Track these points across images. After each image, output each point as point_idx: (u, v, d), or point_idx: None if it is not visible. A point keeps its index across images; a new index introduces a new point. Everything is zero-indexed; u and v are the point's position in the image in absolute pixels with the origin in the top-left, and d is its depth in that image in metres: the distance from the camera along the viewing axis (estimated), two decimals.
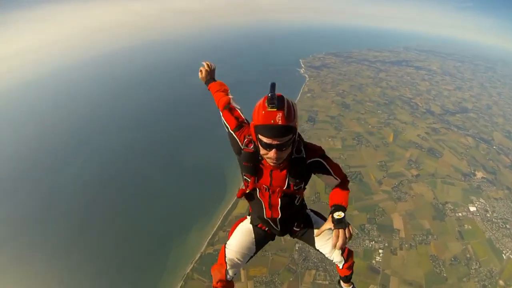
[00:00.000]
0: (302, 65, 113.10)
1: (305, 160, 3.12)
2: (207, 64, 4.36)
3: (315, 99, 78.70)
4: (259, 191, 3.39)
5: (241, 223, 4.15)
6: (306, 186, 3.54)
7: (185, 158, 55.12)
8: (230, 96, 3.83)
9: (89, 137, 67.37)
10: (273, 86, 2.61)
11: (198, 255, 37.03)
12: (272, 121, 2.54)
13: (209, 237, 39.25)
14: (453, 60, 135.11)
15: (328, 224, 2.82)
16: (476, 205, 42.53)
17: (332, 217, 2.81)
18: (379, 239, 37.59)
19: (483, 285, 32.14)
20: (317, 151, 3.25)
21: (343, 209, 2.99)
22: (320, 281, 33.52)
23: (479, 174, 48.79)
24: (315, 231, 3.77)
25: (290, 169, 3.13)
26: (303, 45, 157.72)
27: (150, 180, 51.22)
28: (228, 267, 3.59)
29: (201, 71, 4.33)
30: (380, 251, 36.20)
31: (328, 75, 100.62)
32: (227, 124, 3.47)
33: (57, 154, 61.66)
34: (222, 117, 3.57)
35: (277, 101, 2.58)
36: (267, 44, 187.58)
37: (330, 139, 58.43)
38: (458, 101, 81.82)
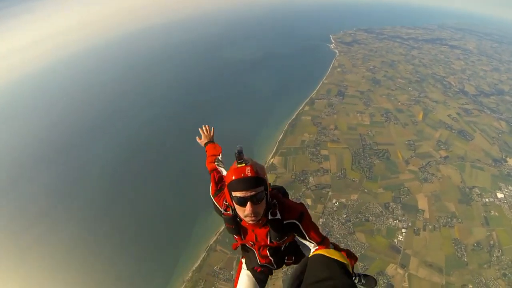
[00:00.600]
0: (333, 41, 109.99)
1: (281, 221, 3.25)
2: (206, 129, 4.94)
3: (345, 74, 77.01)
4: (248, 245, 3.75)
5: (241, 272, 4.34)
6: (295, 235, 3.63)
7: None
8: (216, 161, 4.32)
9: (109, 124, 66.55)
10: (239, 149, 2.90)
11: (222, 227, 37.05)
12: (242, 174, 2.82)
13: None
14: (491, 40, 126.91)
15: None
16: (504, 192, 41.15)
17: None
18: (403, 218, 37.43)
19: (503, 273, 31.63)
20: (294, 212, 3.34)
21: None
22: None
23: (511, 161, 47.15)
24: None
25: (270, 229, 3.32)
26: (334, 21, 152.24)
27: (177, 159, 51.45)
28: None
29: (200, 136, 4.90)
30: (403, 230, 36.11)
31: (359, 51, 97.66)
32: (210, 188, 3.82)
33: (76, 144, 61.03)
34: (210, 186, 3.89)
35: (244, 158, 2.91)
36: (298, 19, 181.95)
37: (358, 114, 57.50)
38: (494, 83, 77.62)
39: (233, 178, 2.86)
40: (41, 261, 37.94)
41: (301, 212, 3.35)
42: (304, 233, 3.39)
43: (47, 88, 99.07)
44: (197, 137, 5.00)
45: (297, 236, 3.75)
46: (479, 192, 40.96)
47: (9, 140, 64.62)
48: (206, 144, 4.78)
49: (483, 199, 39.97)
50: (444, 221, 37.09)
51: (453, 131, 53.83)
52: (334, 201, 40.03)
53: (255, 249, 3.77)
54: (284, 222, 3.26)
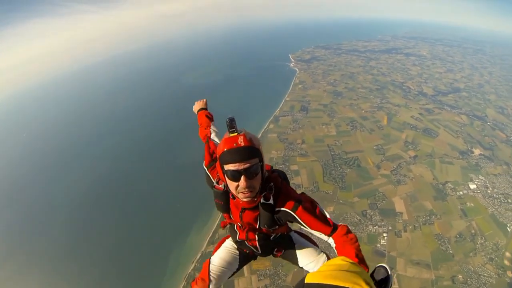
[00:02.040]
0: (292, 60, 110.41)
1: (273, 208, 2.96)
2: (201, 101, 4.77)
3: (307, 89, 76.43)
4: (236, 227, 3.45)
5: (226, 241, 4.07)
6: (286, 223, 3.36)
7: (180, 158, 53.13)
8: (211, 130, 3.97)
9: (87, 141, 67.18)
10: (230, 118, 2.64)
11: (199, 254, 35.35)
12: (234, 144, 2.55)
13: (210, 235, 37.44)
14: (442, 45, 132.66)
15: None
16: (476, 182, 40.85)
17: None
18: (382, 223, 35.83)
19: (489, 258, 31.08)
20: (289, 201, 2.97)
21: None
22: None
23: (476, 151, 46.94)
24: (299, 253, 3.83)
25: (260, 213, 3.01)
26: (291, 40, 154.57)
27: (147, 181, 49.74)
28: (210, 283, 3.53)
29: (195, 104, 4.74)
30: (384, 234, 34.50)
31: (318, 67, 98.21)
32: (203, 157, 3.47)
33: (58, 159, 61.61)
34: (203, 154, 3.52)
35: (236, 127, 2.66)
36: (255, 41, 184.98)
37: (324, 126, 56.46)
38: (449, 82, 79.75)
39: (225, 149, 2.58)
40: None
41: (297, 202, 2.97)
42: (304, 224, 2.99)
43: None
44: (193, 107, 4.85)
45: (302, 228, 3.32)
46: (452, 186, 40.24)
47: None
48: (198, 111, 4.56)
49: (457, 193, 39.27)
50: (423, 219, 35.88)
51: (418, 130, 53.54)
52: None
53: (242, 232, 3.43)
54: (276, 209, 2.97)
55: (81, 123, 79.83)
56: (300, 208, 2.94)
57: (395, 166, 44.84)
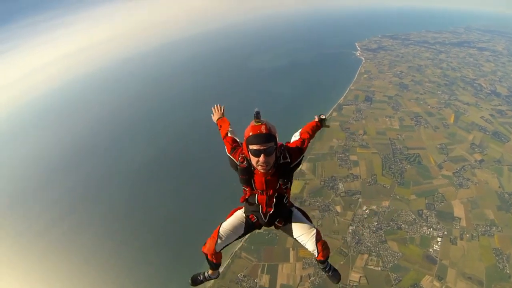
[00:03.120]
0: (358, 48, 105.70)
1: (290, 164, 3.78)
2: (218, 108, 5.21)
3: (372, 80, 72.98)
4: (257, 196, 4.00)
5: (237, 211, 4.60)
6: (291, 185, 4.15)
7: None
8: (229, 129, 4.60)
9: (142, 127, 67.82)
10: (257, 111, 3.36)
11: (247, 236, 34.51)
12: (258, 131, 3.31)
13: None
14: None
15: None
16: None
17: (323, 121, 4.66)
18: (438, 226, 33.93)
19: None
20: (296, 153, 3.94)
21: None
22: (371, 267, 31.03)
23: None
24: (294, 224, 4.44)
25: (279, 172, 3.75)
26: (359, 29, 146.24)
27: (207, 158, 49.24)
28: (218, 241, 4.23)
29: (213, 114, 5.19)
30: (439, 239, 32.64)
31: (385, 57, 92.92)
32: (225, 149, 4.15)
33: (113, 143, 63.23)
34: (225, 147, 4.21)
35: (261, 118, 3.37)
36: (322, 27, 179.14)
37: (387, 119, 53.87)
38: None
39: (251, 134, 3.34)
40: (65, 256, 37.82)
41: (299, 148, 4.06)
42: (308, 138, 4.35)
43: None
44: (211, 115, 5.19)
45: (296, 209, 4.63)
46: None
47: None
48: (217, 119, 5.04)
49: None
50: (483, 229, 33.17)
51: (487, 133, 49.00)
52: (364, 208, 36.99)
53: (262, 200, 4.00)
54: (292, 166, 3.80)
55: (153, 98, 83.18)
56: (303, 149, 4.09)
57: (458, 168, 41.77)
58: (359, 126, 51.92)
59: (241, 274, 31.79)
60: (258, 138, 3.29)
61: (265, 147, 3.30)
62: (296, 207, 4.71)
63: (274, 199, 4.00)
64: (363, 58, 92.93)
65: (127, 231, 40.03)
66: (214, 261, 4.65)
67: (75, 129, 71.17)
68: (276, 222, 4.42)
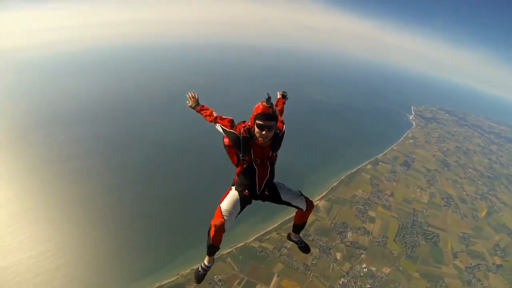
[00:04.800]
0: (413, 112, 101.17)
1: (279, 134, 4.30)
2: (192, 95, 5.14)
3: (416, 147, 68.68)
4: (254, 164, 4.32)
5: (230, 191, 4.68)
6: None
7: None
8: (216, 114, 4.73)
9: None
10: (268, 96, 3.82)
11: (242, 243, 34.37)
12: (267, 111, 3.78)
13: (261, 233, 36.15)
14: None
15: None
16: None
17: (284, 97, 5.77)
18: None
19: None
20: (281, 124, 4.51)
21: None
22: None
23: None
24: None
25: (272, 143, 4.22)
26: (420, 93, 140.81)
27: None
28: (225, 220, 4.34)
29: (188, 100, 5.15)
30: None
31: (436, 130, 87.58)
32: (224, 128, 4.35)
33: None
34: (218, 125, 4.47)
35: (270, 102, 3.83)
36: (384, 80, 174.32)
37: (418, 190, 50.04)
38: None
39: (261, 111, 3.79)
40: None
41: (282, 121, 4.58)
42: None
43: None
44: (186, 102, 5.11)
45: (277, 183, 4.81)
46: None
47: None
48: (195, 107, 5.03)
49: None
50: None
51: None
52: (364, 265, 34.09)
53: (259, 168, 4.35)
54: (280, 135, 4.33)
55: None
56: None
57: (473, 264, 37.38)
58: (389, 187, 48.54)
59: (218, 277, 30.53)
60: (266, 116, 3.77)
61: (270, 124, 3.82)
62: (277, 181, 4.87)
63: (269, 165, 4.42)
64: (414, 123, 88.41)
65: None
66: (217, 243, 4.64)
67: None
68: (265, 191, 4.65)
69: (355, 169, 51.34)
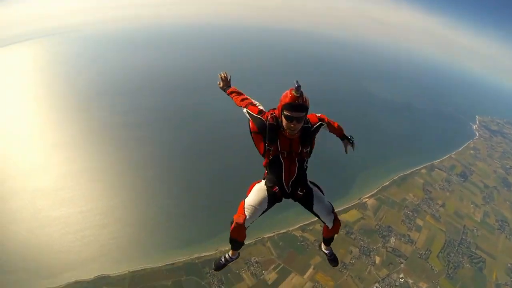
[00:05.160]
0: (477, 122, 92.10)
1: (310, 128, 3.84)
2: (224, 75, 4.80)
3: (476, 159, 62.98)
4: (281, 156, 3.91)
5: (257, 184, 4.33)
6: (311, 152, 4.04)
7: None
8: (251, 100, 4.33)
9: None
10: (298, 84, 3.30)
11: (284, 230, 34.03)
12: (296, 101, 3.34)
13: (305, 223, 35.33)
14: None
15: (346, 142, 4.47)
16: None
17: (349, 139, 4.41)
18: None
19: None
20: (314, 119, 3.96)
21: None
22: None
23: None
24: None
25: (301, 136, 3.79)
26: (487, 103, 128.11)
27: None
28: (246, 217, 3.94)
29: (219, 81, 4.79)
30: None
31: (500, 144, 79.18)
32: (251, 113, 3.96)
33: None
34: (247, 110, 4.04)
35: (300, 90, 3.34)
36: (454, 85, 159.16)
37: (472, 205, 46.24)
38: None
39: (289, 101, 3.36)
40: None
41: (320, 118, 4.06)
42: (331, 124, 4.25)
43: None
44: (217, 82, 4.80)
45: (311, 184, 4.34)
46: None
47: None
48: (226, 89, 4.75)
49: None
50: None
51: None
52: (401, 275, 32.64)
53: (286, 161, 3.92)
54: (312, 129, 3.84)
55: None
56: (324, 119, 4.11)
57: None
58: (441, 196, 45.30)
59: (255, 259, 30.85)
60: (295, 107, 3.36)
61: (298, 116, 3.40)
62: (311, 182, 4.39)
63: (297, 161, 3.94)
64: (477, 134, 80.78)
65: None
66: (239, 239, 4.22)
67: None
68: (298, 191, 4.18)
69: (409, 171, 48.32)
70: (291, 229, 34.30)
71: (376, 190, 41.76)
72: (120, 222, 38.53)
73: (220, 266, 5.00)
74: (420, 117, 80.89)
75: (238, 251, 4.80)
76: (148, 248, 34.48)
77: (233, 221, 4.02)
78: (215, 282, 30.15)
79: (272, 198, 4.17)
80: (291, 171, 4.00)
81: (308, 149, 3.95)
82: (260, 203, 4.11)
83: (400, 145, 57.67)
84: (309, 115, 3.88)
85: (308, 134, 3.81)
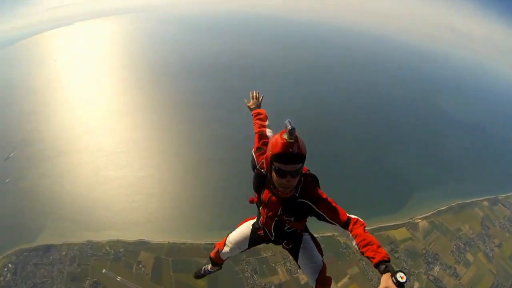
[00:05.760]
0: None
1: (295, 198, 2.97)
2: (255, 95, 4.33)
3: None
4: (261, 206, 3.42)
5: (248, 221, 4.09)
6: (305, 221, 3.37)
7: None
8: (266, 123, 3.90)
9: None
10: (292, 126, 2.53)
11: (330, 234, 33.01)
12: (290, 150, 2.56)
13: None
14: None
15: (386, 284, 2.15)
16: None
17: (395, 278, 2.13)
18: None
19: None
20: (309, 193, 2.95)
21: (388, 263, 2.36)
22: None
23: None
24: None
25: (284, 202, 3.03)
26: None
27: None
28: (224, 250, 4.07)
29: (249, 100, 4.36)
30: None
31: None
32: (255, 146, 3.57)
33: None
34: (256, 137, 3.68)
35: (295, 135, 2.57)
36: None
37: None
38: None
39: (280, 150, 2.59)
40: None
41: (317, 197, 2.93)
42: (322, 214, 2.87)
43: None
44: (245, 100, 4.38)
45: (309, 236, 3.83)
46: None
47: None
48: (253, 109, 4.24)
49: None
50: None
51: None
52: None
53: (264, 215, 3.42)
54: (298, 200, 2.95)
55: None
56: (318, 202, 2.91)
57: None
58: (499, 235, 40.97)
59: (290, 257, 29.83)
60: (288, 158, 2.57)
61: (293, 169, 2.62)
62: (310, 235, 3.90)
63: (273, 222, 3.37)
64: None
65: None
66: (218, 261, 4.37)
67: None
68: (283, 243, 3.77)
69: (469, 200, 44.00)
70: (336, 234, 33.10)
71: (430, 213, 38.64)
72: (170, 195, 40.62)
73: (200, 275, 5.09)
74: (492, 142, 71.48)
75: (217, 267, 4.82)
76: (193, 225, 35.72)
77: (215, 247, 4.25)
78: (249, 270, 30.43)
79: (255, 241, 3.96)
80: (267, 227, 3.55)
81: (292, 219, 3.18)
82: (241, 242, 4.02)
83: (464, 169, 52.24)
84: (309, 186, 3.01)
85: (290, 203, 2.99)
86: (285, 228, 3.45)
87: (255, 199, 3.47)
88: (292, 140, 2.55)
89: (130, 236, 35.46)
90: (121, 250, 34.08)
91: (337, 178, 40.10)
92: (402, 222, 36.49)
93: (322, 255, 3.89)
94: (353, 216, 2.92)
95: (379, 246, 2.55)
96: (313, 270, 3.68)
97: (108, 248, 34.29)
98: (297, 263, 3.85)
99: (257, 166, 3.24)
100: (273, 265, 30.95)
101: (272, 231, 3.52)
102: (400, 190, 40.87)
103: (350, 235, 2.77)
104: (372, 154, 47.18)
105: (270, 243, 3.86)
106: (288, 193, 2.91)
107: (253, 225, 3.96)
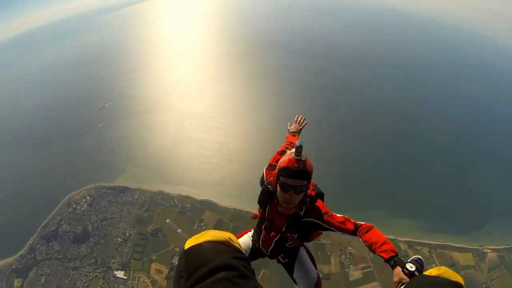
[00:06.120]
0: None
1: (300, 217, 3.12)
2: (301, 120, 4.43)
3: None
4: (265, 223, 3.50)
5: (248, 233, 4.09)
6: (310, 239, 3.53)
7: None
8: (289, 151, 3.47)
9: None
10: (300, 144, 2.67)
11: (392, 237, 31.55)
12: (295, 165, 2.70)
13: (415, 240, 33.29)
14: None
15: (398, 277, 2.47)
16: None
17: (405, 270, 2.44)
18: None
19: None
20: (315, 213, 3.12)
21: (396, 257, 2.64)
22: None
23: None
24: None
25: (290, 219, 3.16)
26: None
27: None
28: None
29: (293, 123, 4.45)
30: None
31: None
32: (270, 163, 3.63)
33: None
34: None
35: (302, 153, 2.70)
36: None
37: None
38: None
39: (286, 165, 2.75)
40: None
41: (323, 214, 3.10)
42: (330, 228, 3.07)
43: None
44: (288, 123, 4.52)
45: (304, 250, 3.85)
46: None
47: None
48: (291, 132, 4.32)
49: None
50: None
51: None
52: None
53: (266, 230, 3.51)
54: (303, 220, 3.12)
55: None
56: (324, 218, 3.05)
57: None
58: None
59: (350, 250, 31.10)
60: (293, 172, 2.71)
61: (296, 184, 2.75)
62: (305, 249, 3.96)
63: (277, 237, 3.45)
64: None
65: None
66: None
67: None
68: (279, 257, 3.83)
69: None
70: (399, 238, 31.50)
71: (504, 246, 34.63)
72: (246, 164, 41.13)
73: None
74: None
75: None
76: None
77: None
78: None
79: (255, 253, 3.86)
80: (268, 242, 3.54)
81: (296, 236, 3.30)
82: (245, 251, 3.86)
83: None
84: (315, 205, 3.17)
85: (295, 221, 3.15)
86: (287, 244, 3.55)
87: (258, 215, 3.63)
88: (299, 158, 2.69)
89: (200, 194, 37.54)
90: (188, 205, 36.84)
91: (409, 184, 37.78)
92: (470, 247, 33.38)
93: (316, 268, 3.94)
94: (360, 222, 3.09)
95: (383, 243, 2.77)
96: (309, 284, 3.69)
97: (176, 201, 37.38)
98: (292, 277, 3.85)
99: (265, 183, 3.36)
100: (329, 254, 31.09)
101: (272, 245, 3.52)
102: (477, 213, 36.75)
103: (360, 240, 2.98)
104: (455, 164, 42.59)
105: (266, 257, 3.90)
106: (291, 209, 3.04)
107: (251, 236, 3.95)
